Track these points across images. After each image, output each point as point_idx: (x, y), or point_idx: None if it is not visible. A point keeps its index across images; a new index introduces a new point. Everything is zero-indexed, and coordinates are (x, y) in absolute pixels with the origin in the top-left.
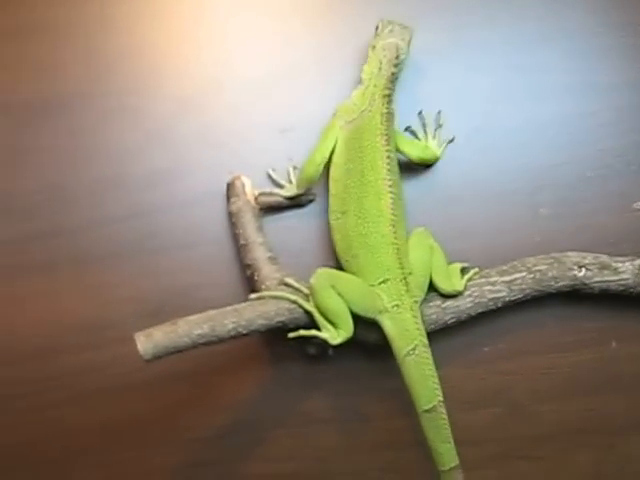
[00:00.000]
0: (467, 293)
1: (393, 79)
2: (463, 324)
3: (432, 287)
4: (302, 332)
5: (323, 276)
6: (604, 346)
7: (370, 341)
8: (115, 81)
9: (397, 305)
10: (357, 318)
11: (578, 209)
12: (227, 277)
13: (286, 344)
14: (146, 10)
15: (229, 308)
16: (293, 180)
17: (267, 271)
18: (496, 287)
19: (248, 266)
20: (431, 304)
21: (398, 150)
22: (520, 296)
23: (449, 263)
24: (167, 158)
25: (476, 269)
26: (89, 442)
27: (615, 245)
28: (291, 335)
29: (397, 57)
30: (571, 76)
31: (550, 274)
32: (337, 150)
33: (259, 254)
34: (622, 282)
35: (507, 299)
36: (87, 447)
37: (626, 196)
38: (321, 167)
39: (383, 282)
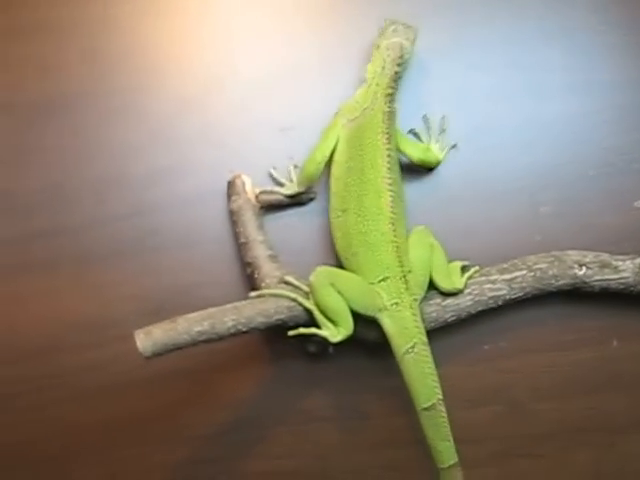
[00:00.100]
0: (467, 291)
1: (396, 78)
2: (463, 322)
3: (432, 285)
4: (302, 330)
5: (323, 274)
6: (605, 345)
7: (370, 339)
8: (118, 80)
9: (396, 303)
10: (357, 316)
11: (579, 208)
12: (228, 275)
13: (286, 342)
14: (149, 10)
15: (229, 306)
16: (294, 179)
17: (267, 269)
18: (496, 285)
19: (248, 264)
20: (431, 302)
21: (400, 150)
22: (520, 294)
23: (450, 261)
24: (169, 157)
25: (476, 267)
26: (90, 440)
27: (616, 244)
28: (291, 333)
29: (401, 57)
30: (573, 74)
31: (550, 272)
32: (339, 148)
33: (259, 252)
34: (622, 281)
35: (507, 297)
36: (88, 445)
37: (628, 195)
38: (322, 165)
39: (383, 280)
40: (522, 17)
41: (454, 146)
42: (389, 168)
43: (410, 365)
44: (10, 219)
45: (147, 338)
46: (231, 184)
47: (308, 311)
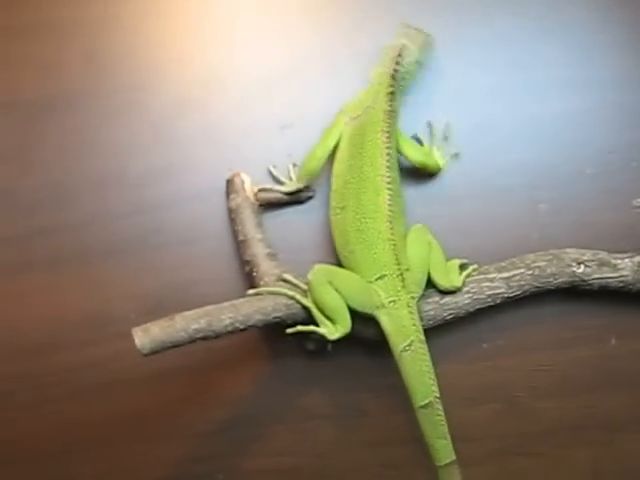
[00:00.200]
0: (465, 289)
1: (397, 77)
2: (462, 320)
3: (431, 283)
4: (300, 328)
5: (320, 272)
6: (603, 343)
7: (368, 337)
8: (119, 79)
9: (394, 301)
10: (355, 314)
11: (578, 206)
12: (227, 273)
13: (285, 340)
14: (150, 9)
15: (226, 303)
16: (293, 176)
17: (266, 267)
18: (494, 283)
19: (247, 262)
20: (429, 300)
21: (401, 152)
22: (519, 293)
23: (448, 259)
24: (169, 155)
25: (475, 265)
26: (89, 436)
27: (615, 242)
28: (289, 331)
29: (399, 55)
30: (571, 72)
31: (549, 271)
32: (340, 146)
33: (258, 250)
34: (621, 279)
35: (505, 295)
36: (87, 441)
37: (626, 193)
38: (322, 161)
39: (380, 278)
40: (521, 15)
41: (456, 155)
42: (388, 166)
43: (407, 363)
44: (11, 217)
45: (145, 335)
46: (230, 182)
47: (306, 309)
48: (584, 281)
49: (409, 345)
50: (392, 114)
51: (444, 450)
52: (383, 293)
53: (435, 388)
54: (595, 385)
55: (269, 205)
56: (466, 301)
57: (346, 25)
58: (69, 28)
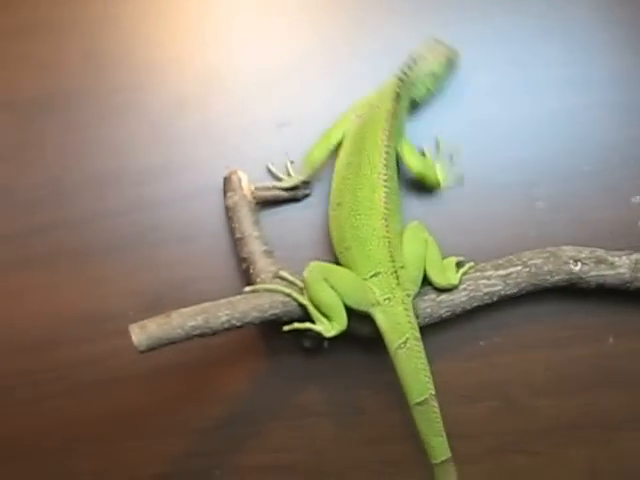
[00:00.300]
0: (462, 287)
1: (405, 80)
2: (459, 318)
3: (427, 281)
4: (296, 325)
5: (316, 269)
6: (601, 341)
7: (364, 334)
8: (118, 78)
9: (389, 298)
10: (351, 311)
11: (575, 203)
12: (224, 270)
13: (282, 337)
14: (149, 8)
15: (223, 301)
16: (292, 173)
17: (262, 264)
18: (491, 281)
19: (244, 259)
20: (426, 298)
21: (402, 158)
22: (515, 290)
23: (444, 257)
24: (168, 153)
25: (471, 263)
26: (87, 433)
27: (612, 239)
28: (286, 328)
29: (413, 61)
30: (569, 70)
31: (546, 268)
32: (344, 143)
33: (255, 248)
34: (619, 276)
35: (502, 293)
36: (85, 438)
37: (624, 190)
38: (326, 153)
39: (374, 275)
40: (522, 14)
41: (460, 179)
42: (386, 165)
43: (403, 360)
44: (10, 215)
45: (142, 332)
46: (227, 180)
47: (302, 306)
48: (581, 279)
49: (404, 342)
50: (395, 115)
51: (440, 447)
52: (378, 290)
53: (431, 385)
54: (592, 384)
55: (266, 203)
56: (463, 299)
57: (345, 25)
58: (68, 27)
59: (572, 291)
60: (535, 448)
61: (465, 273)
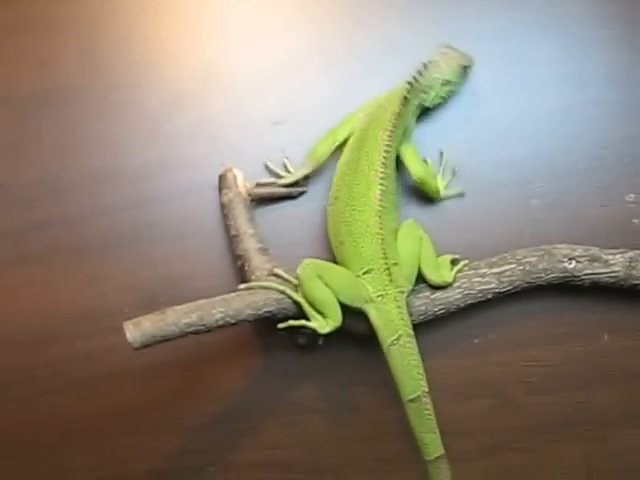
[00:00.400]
0: (456, 285)
1: (414, 85)
2: (453, 316)
3: (421, 278)
4: (291, 322)
5: (310, 266)
6: (595, 339)
7: (359, 331)
8: (116, 75)
9: (382, 295)
10: (346, 308)
11: (570, 201)
12: (219, 267)
13: (277, 334)
14: (147, 5)
15: (218, 298)
16: (291, 170)
17: (257, 262)
18: (485, 279)
19: (239, 257)
20: (420, 295)
21: (403, 162)
22: (510, 288)
23: (439, 254)
24: (165, 150)
25: (466, 261)
26: (83, 429)
27: (606, 237)
28: (280, 326)
29: (424, 67)
30: (566, 67)
31: (540, 266)
32: (348, 142)
33: (250, 245)
34: (613, 274)
35: (496, 291)
36: (81, 434)
37: (618, 188)
38: (330, 149)
39: (367, 272)
40: (518, 10)
41: (460, 194)
42: (384, 163)
43: (395, 357)
44: (7, 211)
45: (136, 329)
46: (222, 178)
47: (297, 303)
48: (576, 277)
49: (397, 339)
50: (399, 117)
51: (433, 444)
52: (371, 287)
53: (424, 382)
54: (587, 381)
55: (261, 200)
56: (457, 296)
57: (342, 23)
58: (65, 24)
59: (567, 288)
60: (530, 445)
61: (459, 271)
